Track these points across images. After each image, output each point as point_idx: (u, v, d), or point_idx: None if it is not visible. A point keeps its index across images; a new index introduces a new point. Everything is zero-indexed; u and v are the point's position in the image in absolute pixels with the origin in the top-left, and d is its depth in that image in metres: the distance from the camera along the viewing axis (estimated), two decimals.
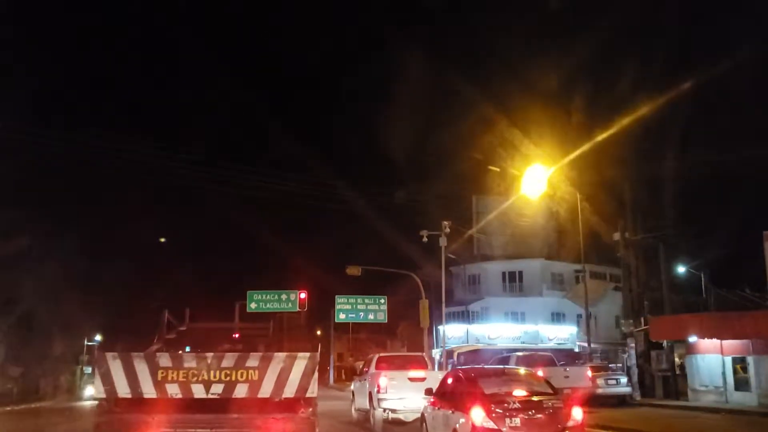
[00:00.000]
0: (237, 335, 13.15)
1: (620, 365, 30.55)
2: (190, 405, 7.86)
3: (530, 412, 9.38)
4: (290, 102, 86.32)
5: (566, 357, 27.25)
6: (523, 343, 44.51)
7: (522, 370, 12.33)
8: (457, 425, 9.95)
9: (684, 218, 33.05)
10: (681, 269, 38.43)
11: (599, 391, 21.73)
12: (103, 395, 7.75)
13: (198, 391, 7.84)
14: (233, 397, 7.87)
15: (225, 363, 7.94)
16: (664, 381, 24.51)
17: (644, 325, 25.34)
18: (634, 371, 23.33)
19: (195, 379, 7.86)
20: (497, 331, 46.69)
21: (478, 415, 9.36)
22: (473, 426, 9.36)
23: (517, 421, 9.29)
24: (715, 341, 21.42)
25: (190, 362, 7.91)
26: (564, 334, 46.82)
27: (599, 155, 25.82)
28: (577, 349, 44.55)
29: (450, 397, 10.84)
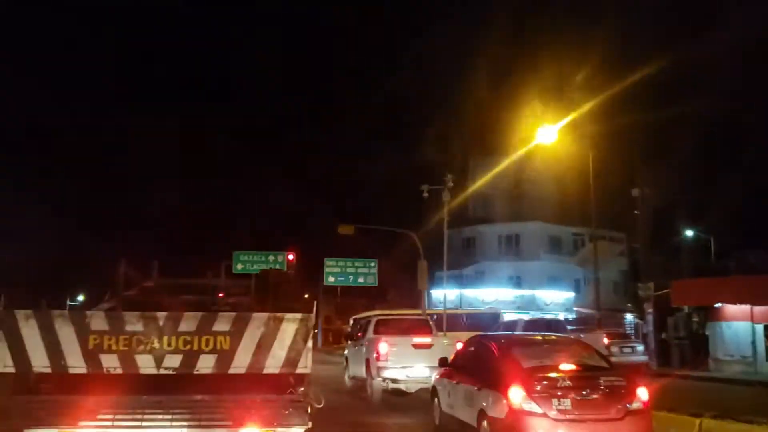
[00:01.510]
0: (221, 294, 10.73)
1: (620, 331, 28.96)
2: (136, 383, 5.62)
3: (583, 392, 7.30)
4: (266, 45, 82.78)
5: (575, 324, 25.49)
6: (518, 308, 42.96)
7: (566, 338, 10.27)
8: (486, 405, 7.89)
9: (696, 181, 31.27)
10: (689, 233, 36.74)
11: (614, 360, 19.87)
12: (12, 369, 5.50)
13: (146, 365, 5.63)
14: (195, 372, 5.63)
15: (183, 326, 5.69)
16: (681, 349, 22.76)
17: (653, 291, 23.59)
18: (651, 339, 21.50)
19: (141, 348, 5.63)
20: (492, 295, 45.07)
21: (517, 394, 7.28)
22: (510, 408, 7.28)
23: (567, 402, 7.21)
24: (745, 308, 19.60)
25: (134, 325, 5.66)
26: (561, 299, 45.33)
27: (613, 110, 23.79)
28: (573, 315, 43.07)
29: (474, 370, 8.77)
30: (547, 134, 22.88)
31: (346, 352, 18.14)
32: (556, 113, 24.23)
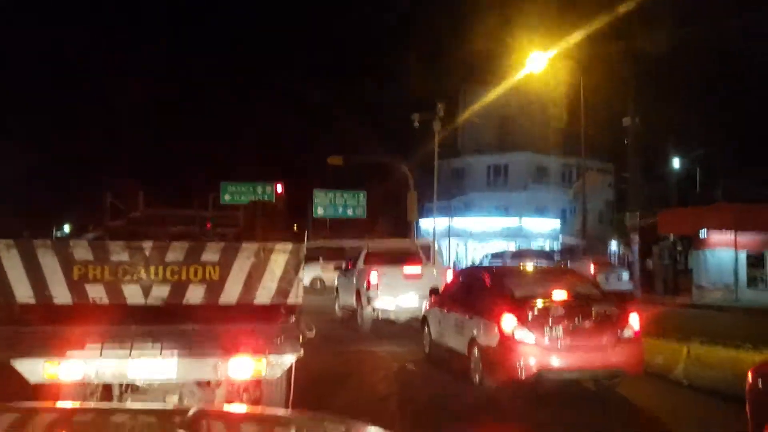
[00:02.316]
0: (209, 225, 10.47)
1: (606, 260, 29.31)
2: (123, 314, 5.48)
3: (576, 320, 7.31)
4: None
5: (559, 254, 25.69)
6: (506, 238, 43.33)
7: (558, 268, 10.27)
8: (477, 333, 7.92)
9: (686, 111, 30.97)
10: (676, 163, 36.73)
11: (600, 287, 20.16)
12: None
13: (133, 295, 5.48)
14: (184, 303, 5.49)
15: (171, 256, 5.52)
16: (664, 277, 23.08)
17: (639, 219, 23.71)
18: (637, 267, 21.74)
19: (128, 278, 5.46)
20: (480, 225, 45.35)
21: (508, 323, 7.28)
22: (502, 336, 7.30)
23: (559, 331, 7.24)
24: (728, 236, 19.75)
25: (119, 255, 5.47)
26: (547, 228, 45.72)
27: (605, 37, 23.19)
28: (559, 245, 43.53)
29: (465, 299, 8.77)
30: (537, 62, 22.35)
31: (336, 282, 18.22)
32: (547, 40, 23.62)
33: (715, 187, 28.85)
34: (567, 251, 29.24)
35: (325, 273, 28.50)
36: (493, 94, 32.45)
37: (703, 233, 20.83)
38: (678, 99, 29.30)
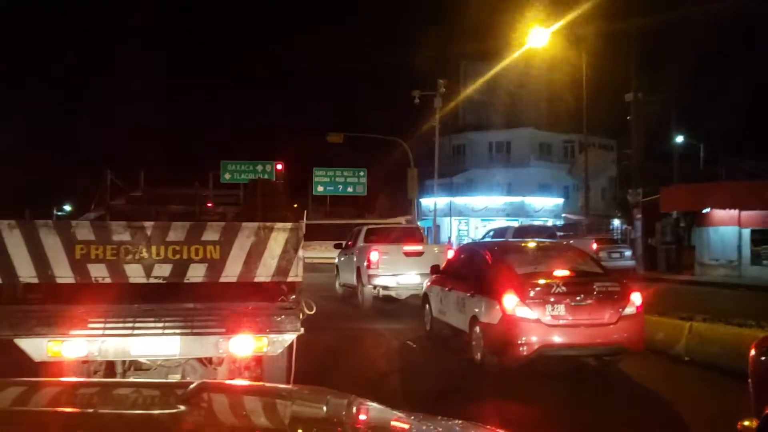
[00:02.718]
0: (210, 204, 10.45)
1: (609, 236, 29.28)
2: (126, 293, 5.50)
3: (577, 297, 7.32)
4: None
5: (565, 229, 25.64)
6: (508, 215, 43.29)
7: (560, 244, 10.25)
8: (479, 311, 7.93)
9: (690, 85, 30.69)
10: (679, 139, 36.52)
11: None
12: None
13: (135, 274, 5.48)
14: (186, 281, 5.50)
15: (172, 235, 5.52)
16: (667, 254, 23.08)
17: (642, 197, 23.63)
18: (639, 244, 21.71)
19: (130, 257, 5.46)
20: (481, 202, 45.31)
21: (510, 300, 7.29)
22: (504, 314, 7.31)
23: (561, 308, 7.24)
24: (732, 213, 19.70)
25: (121, 234, 5.47)
26: (550, 206, 45.67)
27: (608, 12, 22.90)
28: (561, 222, 43.52)
29: (466, 276, 8.77)
30: (538, 37, 22.11)
31: (336, 260, 18.27)
32: (550, 15, 23.36)
33: (718, 164, 28.71)
34: (570, 228, 29.18)
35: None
36: (495, 70, 32.20)
37: (706, 210, 20.78)
38: (682, 74, 29.06)
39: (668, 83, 28.75)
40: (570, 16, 21.90)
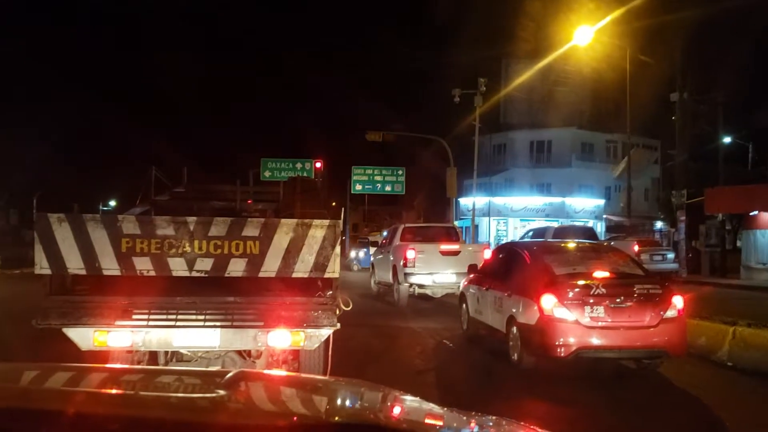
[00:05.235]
0: (250, 201, 10.69)
1: (652, 238, 28.64)
2: (169, 285, 5.65)
3: (617, 299, 7.22)
4: None
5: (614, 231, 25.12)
6: (548, 216, 42.77)
7: (600, 245, 10.13)
8: (516, 311, 7.89)
9: (739, 83, 29.81)
10: (726, 139, 35.47)
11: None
12: (48, 270, 5.54)
13: (178, 267, 5.62)
14: (226, 275, 5.62)
15: (214, 231, 5.65)
16: (711, 258, 22.50)
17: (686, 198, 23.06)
18: (682, 247, 21.23)
19: (173, 251, 5.61)
20: (521, 202, 44.86)
21: (548, 301, 7.23)
22: (542, 314, 7.26)
23: (601, 310, 7.15)
24: None
25: (165, 229, 5.62)
26: (591, 206, 44.95)
27: (653, 8, 22.40)
28: (603, 223, 42.79)
29: (504, 276, 8.73)
30: (583, 35, 21.78)
31: (372, 259, 18.36)
32: (593, 12, 22.99)
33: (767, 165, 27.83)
34: (614, 229, 28.58)
35: None
36: (537, 67, 31.85)
37: (754, 213, 20.19)
38: (730, 72, 28.19)
39: (715, 82, 27.94)
40: (614, 14, 21.54)
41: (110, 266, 5.60)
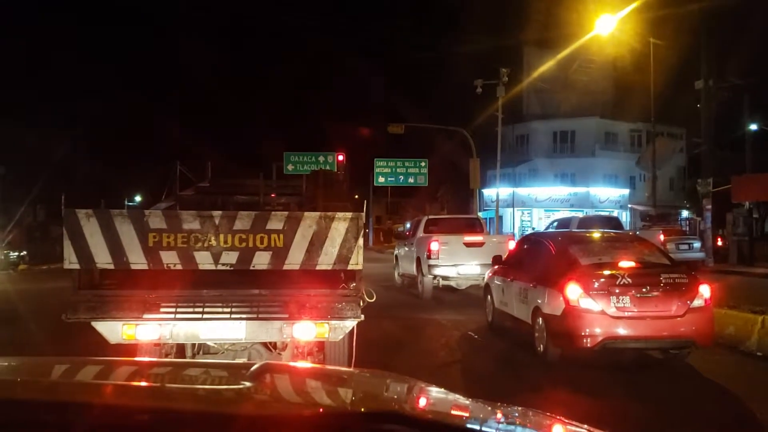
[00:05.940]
0: (273, 195, 10.75)
1: (678, 227, 28.20)
2: (195, 278, 5.71)
3: (644, 289, 7.14)
4: None
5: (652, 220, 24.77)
6: (572, 206, 42.41)
7: (626, 234, 10.02)
8: (542, 302, 7.84)
9: (765, 70, 29.14)
10: (753, 127, 34.78)
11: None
12: (77, 265, 5.63)
13: (204, 261, 5.68)
14: (251, 268, 5.67)
15: (239, 224, 5.69)
16: (739, 246, 22.13)
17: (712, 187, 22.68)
18: (709, 235, 20.89)
19: (199, 245, 5.66)
20: (545, 193, 44.54)
21: (574, 291, 7.18)
22: (568, 305, 7.21)
23: (627, 300, 7.09)
24: None
25: (191, 223, 5.67)
26: (616, 196, 44.48)
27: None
28: (628, 213, 42.32)
29: (529, 267, 8.68)
30: (605, 24, 21.46)
31: (396, 251, 18.36)
32: (616, 0, 22.62)
33: None
34: (658, 219, 28.06)
35: None
36: (559, 56, 31.47)
37: None
38: (756, 58, 27.60)
39: (741, 68, 27.36)
40: (638, 2, 21.19)
41: (138, 260, 5.67)
